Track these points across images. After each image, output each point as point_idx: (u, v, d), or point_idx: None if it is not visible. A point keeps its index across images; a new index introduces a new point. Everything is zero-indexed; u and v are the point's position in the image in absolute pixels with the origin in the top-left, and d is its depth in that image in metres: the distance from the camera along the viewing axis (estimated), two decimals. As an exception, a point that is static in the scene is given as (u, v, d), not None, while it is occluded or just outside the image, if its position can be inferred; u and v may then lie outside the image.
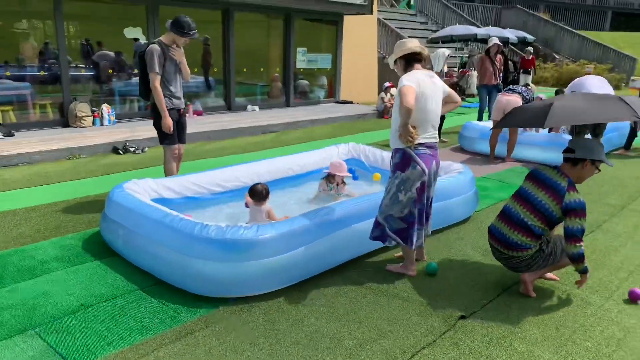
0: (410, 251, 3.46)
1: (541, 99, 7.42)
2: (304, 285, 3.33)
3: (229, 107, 10.60)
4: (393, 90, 11.72)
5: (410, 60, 3.32)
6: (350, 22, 12.69)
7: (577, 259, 3.08)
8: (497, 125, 4.05)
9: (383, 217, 3.42)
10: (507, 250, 3.22)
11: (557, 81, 21.70)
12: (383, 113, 11.40)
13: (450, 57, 18.15)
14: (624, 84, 20.74)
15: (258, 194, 3.83)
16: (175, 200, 4.26)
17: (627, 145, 8.00)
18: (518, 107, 4.10)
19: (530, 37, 18.31)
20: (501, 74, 9.68)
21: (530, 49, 16.79)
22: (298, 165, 5.30)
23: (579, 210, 3.02)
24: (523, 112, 3.90)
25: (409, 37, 17.38)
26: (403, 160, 3.28)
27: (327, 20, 12.20)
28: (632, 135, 7.91)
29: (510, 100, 6.86)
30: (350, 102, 12.77)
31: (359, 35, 13.18)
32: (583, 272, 3.15)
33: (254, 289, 3.12)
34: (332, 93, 12.86)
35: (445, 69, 8.23)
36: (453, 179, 4.55)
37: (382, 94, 11.56)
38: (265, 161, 5.10)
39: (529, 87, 7.40)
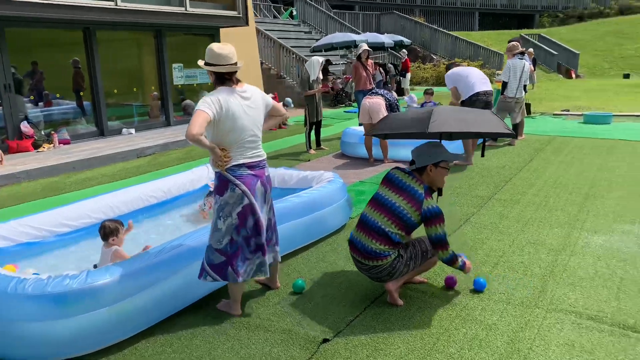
0: (235, 287, 3.06)
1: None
2: (154, 331, 2.96)
3: (102, 132, 9.81)
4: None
5: (220, 76, 2.98)
6: (229, 35, 12.37)
7: (451, 262, 3.10)
8: (370, 133, 3.87)
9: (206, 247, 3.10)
10: (367, 260, 3.09)
11: (436, 80, 22.95)
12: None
13: (334, 64, 18.52)
14: (495, 78, 22.42)
15: (100, 233, 3.40)
16: (7, 249, 3.68)
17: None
18: (394, 114, 4.00)
19: (406, 41, 19.14)
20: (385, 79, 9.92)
21: (404, 51, 17.54)
22: (162, 191, 4.88)
23: (436, 218, 2.98)
24: (401, 118, 3.78)
25: (292, 47, 17.44)
26: (220, 183, 2.98)
27: (203, 34, 11.78)
28: None
29: (373, 102, 6.97)
30: (236, 116, 12.43)
31: (239, 48, 12.86)
32: (461, 268, 3.14)
33: (91, 346, 2.70)
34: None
35: (321, 76, 8.18)
36: (322, 189, 4.41)
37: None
38: (122, 191, 4.63)
39: (407, 90, 7.66)
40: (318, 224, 4.24)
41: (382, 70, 17.69)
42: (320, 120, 8.42)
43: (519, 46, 8.09)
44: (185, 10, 10.27)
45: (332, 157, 7.97)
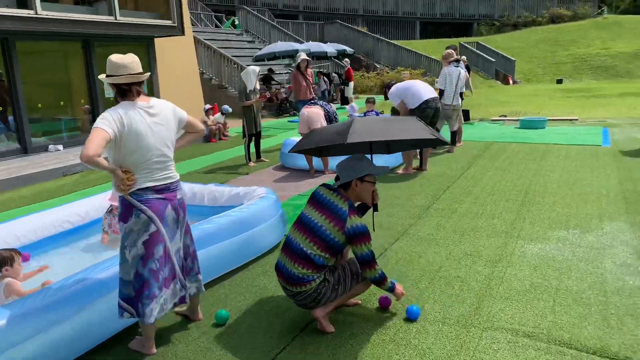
0: (146, 326, 2.76)
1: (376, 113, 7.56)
2: (53, 380, 2.61)
3: (25, 149, 9.13)
4: (218, 116, 11.24)
5: (121, 89, 2.69)
6: (166, 45, 11.91)
7: (379, 282, 2.91)
8: (294, 150, 3.62)
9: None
10: (291, 286, 2.86)
11: (380, 88, 23.18)
12: (209, 137, 10.84)
13: (278, 73, 18.34)
14: (435, 86, 22.90)
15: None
16: None
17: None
18: (318, 128, 3.80)
19: (349, 50, 19.21)
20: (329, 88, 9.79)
21: (347, 60, 17.59)
22: (78, 215, 4.47)
23: (362, 236, 2.79)
24: (323, 132, 3.57)
25: (234, 56, 17.11)
26: (124, 209, 2.68)
27: (136, 44, 11.28)
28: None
29: (312, 112, 6.83)
30: (175, 129, 11.97)
31: (177, 57, 12.46)
32: (391, 290, 2.96)
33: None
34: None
35: (258, 86, 7.94)
36: (253, 206, 4.16)
37: (204, 116, 11.00)
38: (29, 217, 4.19)
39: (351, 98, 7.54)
40: (248, 244, 3.98)
41: (325, 80, 17.68)
42: (260, 132, 8.16)
43: (454, 54, 8.16)
44: (115, 19, 9.78)
45: (272, 169, 7.72)
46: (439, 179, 6.52)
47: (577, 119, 11.70)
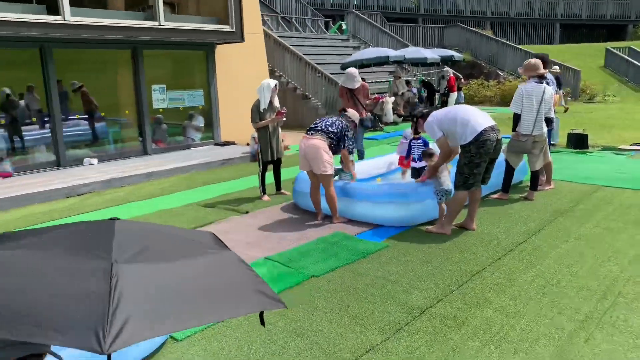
0: None
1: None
2: None
3: (58, 162, 8.72)
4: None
5: None
6: (234, 52, 10.98)
7: None
8: None
9: None
10: None
11: (501, 99, 20.30)
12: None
13: (369, 81, 16.60)
14: (570, 98, 19.34)
15: None
16: None
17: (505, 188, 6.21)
18: None
19: (457, 56, 16.81)
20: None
21: (447, 69, 15.28)
22: None
23: None
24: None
25: (330, 63, 15.84)
26: None
27: (193, 51, 10.52)
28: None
29: (310, 145, 5.14)
30: (233, 143, 11.01)
31: (243, 65, 11.44)
32: None
33: None
34: (211, 134, 11.09)
35: (277, 103, 6.48)
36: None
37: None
38: None
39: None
40: None
41: (414, 91, 15.57)
42: (280, 159, 6.69)
43: (541, 66, 5.82)
44: (159, 24, 9.01)
45: (281, 208, 6.16)
46: (478, 250, 4.43)
47: None
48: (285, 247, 4.69)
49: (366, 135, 13.06)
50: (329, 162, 5.18)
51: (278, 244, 4.80)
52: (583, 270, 3.91)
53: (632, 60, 22.52)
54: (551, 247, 4.42)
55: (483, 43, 25.00)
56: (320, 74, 14.65)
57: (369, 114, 7.86)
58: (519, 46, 23.88)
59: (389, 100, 14.05)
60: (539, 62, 5.90)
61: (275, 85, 6.42)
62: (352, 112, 5.63)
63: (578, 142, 9.55)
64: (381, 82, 17.78)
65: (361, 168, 6.99)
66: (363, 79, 8.44)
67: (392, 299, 3.53)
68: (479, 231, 4.90)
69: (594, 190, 6.32)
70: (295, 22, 22.03)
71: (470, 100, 20.57)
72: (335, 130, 5.27)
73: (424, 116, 5.20)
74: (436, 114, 4.95)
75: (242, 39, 10.42)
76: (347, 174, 5.71)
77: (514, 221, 5.17)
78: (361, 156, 8.04)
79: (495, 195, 6.10)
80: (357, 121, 5.64)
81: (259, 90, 6.43)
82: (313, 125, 5.38)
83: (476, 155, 4.62)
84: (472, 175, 4.68)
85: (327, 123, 5.33)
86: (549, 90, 5.80)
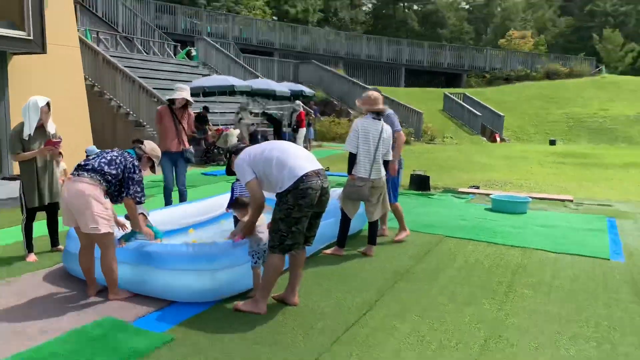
0: None
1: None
2: None
3: None
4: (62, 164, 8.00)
5: None
6: (37, 65, 8.86)
7: None
8: None
9: None
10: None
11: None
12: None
13: (215, 112, 15.24)
14: (412, 138, 20.04)
15: None
16: None
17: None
18: None
19: (308, 91, 16.35)
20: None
21: (298, 102, 14.68)
22: None
23: None
24: None
25: (159, 89, 14.17)
26: None
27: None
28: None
29: (76, 191, 3.65)
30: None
31: (54, 84, 9.31)
32: None
33: None
34: None
35: (52, 130, 4.82)
36: None
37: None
38: None
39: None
40: None
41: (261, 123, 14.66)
42: (55, 204, 4.97)
43: (381, 100, 5.05)
44: None
45: (47, 274, 4.43)
46: (297, 340, 3.25)
47: (571, 200, 8.62)
48: (16, 349, 3.06)
49: (205, 170, 11.70)
50: (103, 215, 3.70)
51: (7, 343, 3.14)
52: (424, 367, 2.94)
53: (466, 106, 24.42)
54: (388, 330, 3.42)
55: (336, 81, 25.38)
56: (156, 99, 12.96)
57: (190, 147, 6.50)
58: (369, 86, 24.61)
59: (234, 132, 12.85)
60: (379, 96, 5.12)
61: (48, 104, 4.76)
62: (151, 146, 4.21)
63: (420, 184, 9.26)
64: (230, 113, 16.61)
65: (173, 214, 5.60)
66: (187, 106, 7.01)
67: None
68: (302, 306, 3.76)
69: (437, 242, 5.66)
70: (137, 43, 20.01)
71: (323, 137, 20.33)
72: (114, 172, 3.81)
73: (238, 152, 4.02)
74: (250, 151, 3.79)
75: (42, 50, 8.46)
76: (140, 234, 4.21)
77: (347, 288, 4.14)
78: (182, 197, 6.62)
79: (328, 251, 5.08)
80: (156, 159, 4.22)
81: (23, 111, 4.72)
82: (83, 163, 3.86)
83: (295, 208, 3.51)
84: (291, 233, 3.56)
85: (104, 160, 3.84)
86: (388, 128, 5.03)
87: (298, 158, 3.63)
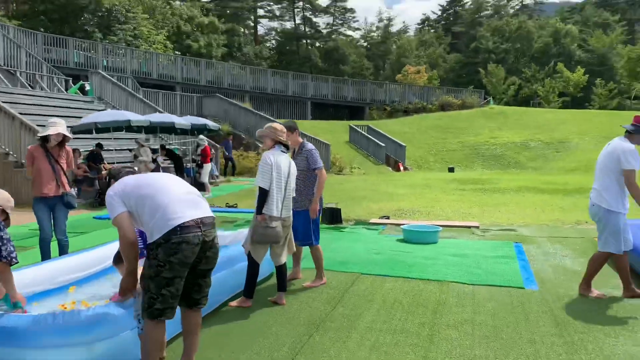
0: None
1: None
2: None
3: None
4: None
5: None
6: None
7: None
8: None
9: None
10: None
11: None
12: None
13: (109, 149, 14.06)
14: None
15: None
16: None
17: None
18: None
19: (213, 125, 15.63)
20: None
21: (202, 137, 14.03)
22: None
23: None
24: None
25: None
26: None
27: None
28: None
29: None
30: None
31: None
32: None
33: None
34: None
35: None
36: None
37: None
38: None
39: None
40: None
41: (161, 160, 13.73)
42: None
43: (285, 132, 4.68)
44: None
45: None
46: None
47: (477, 226, 8.77)
48: None
49: (99, 214, 10.53)
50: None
51: None
52: None
53: (371, 137, 25.05)
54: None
55: (242, 114, 24.93)
56: (39, 138, 11.64)
57: (72, 190, 5.69)
58: (277, 120, 24.47)
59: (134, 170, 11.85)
60: (281, 127, 4.74)
61: None
62: (1, 195, 3.45)
63: (332, 217, 9.00)
64: (127, 150, 15.48)
65: (51, 270, 4.74)
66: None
67: None
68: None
69: (352, 280, 5.31)
70: (20, 76, 18.25)
71: (212, 174, 19.66)
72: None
73: (115, 177, 3.42)
74: (127, 181, 3.16)
75: None
76: (5, 302, 3.39)
77: (257, 349, 3.61)
78: (63, 250, 5.73)
79: (234, 303, 4.51)
80: (9, 209, 3.46)
81: None
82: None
83: (165, 266, 2.88)
84: (161, 296, 2.90)
85: None
86: (293, 164, 4.65)
87: (177, 202, 3.00)
